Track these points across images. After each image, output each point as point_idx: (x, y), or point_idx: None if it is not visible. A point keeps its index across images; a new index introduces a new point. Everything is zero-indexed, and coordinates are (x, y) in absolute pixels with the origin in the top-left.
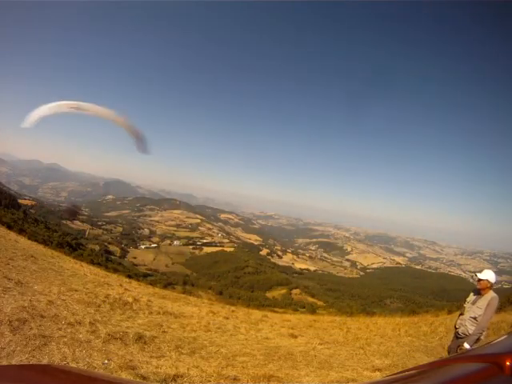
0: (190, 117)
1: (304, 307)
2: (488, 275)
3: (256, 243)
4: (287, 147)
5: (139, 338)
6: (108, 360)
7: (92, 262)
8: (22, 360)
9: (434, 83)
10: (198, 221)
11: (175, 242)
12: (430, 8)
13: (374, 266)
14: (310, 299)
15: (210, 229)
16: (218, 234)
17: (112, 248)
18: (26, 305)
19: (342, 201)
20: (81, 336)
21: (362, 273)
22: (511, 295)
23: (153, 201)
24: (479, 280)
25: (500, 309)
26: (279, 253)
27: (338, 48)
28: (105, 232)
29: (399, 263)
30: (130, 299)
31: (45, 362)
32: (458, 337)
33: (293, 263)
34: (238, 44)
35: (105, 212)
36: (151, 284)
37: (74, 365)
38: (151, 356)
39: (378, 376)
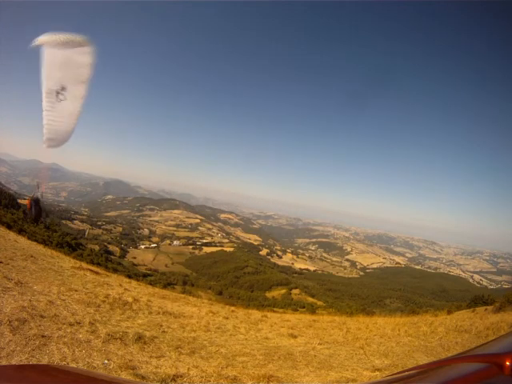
0: (190, 117)
1: (304, 307)
2: None
3: (256, 243)
4: (287, 147)
5: (139, 338)
6: (108, 360)
7: (92, 262)
8: (22, 360)
9: (435, 83)
10: (198, 221)
11: (175, 242)
12: (430, 8)
13: (374, 265)
14: (310, 299)
15: (209, 229)
16: (217, 234)
17: (112, 248)
18: (25, 305)
19: (342, 201)
20: (80, 336)
21: (361, 273)
22: (511, 295)
23: (153, 201)
24: None
25: (500, 309)
26: (279, 253)
27: (336, 48)
28: (104, 232)
29: (399, 263)
30: (130, 299)
31: (44, 362)
32: None
33: (292, 263)
34: (238, 44)
35: (105, 212)
36: (151, 284)
37: (73, 365)
38: (151, 356)
39: (377, 376)
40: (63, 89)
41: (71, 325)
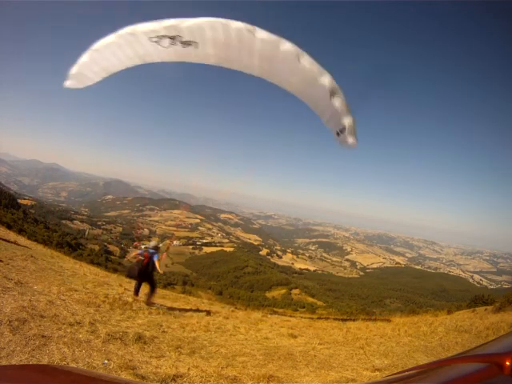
0: (190, 116)
1: (304, 307)
2: None
3: (256, 243)
4: (287, 147)
5: (139, 337)
6: (108, 360)
7: (92, 262)
8: (22, 360)
9: (435, 83)
10: (198, 221)
11: (175, 242)
12: (430, 8)
13: (374, 265)
14: (310, 299)
15: (209, 229)
16: (217, 234)
17: (112, 248)
18: (25, 305)
19: (342, 201)
20: (80, 336)
21: (361, 273)
22: (511, 295)
23: (153, 201)
24: None
25: (500, 309)
26: (279, 253)
27: (336, 47)
28: (104, 232)
29: (399, 263)
30: (130, 299)
31: (44, 362)
32: None
33: (292, 263)
34: None
35: (105, 212)
36: None
37: (73, 365)
38: (151, 356)
39: (377, 376)
40: (189, 42)
41: (71, 325)
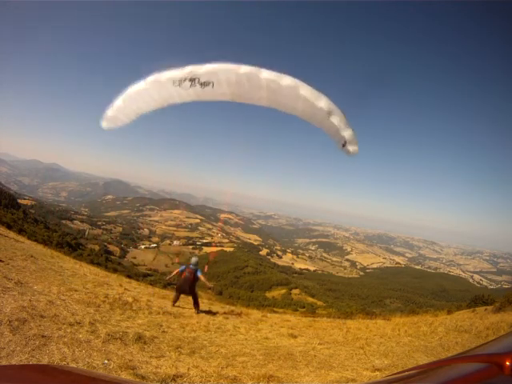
0: (190, 116)
1: (304, 307)
2: None
3: (256, 243)
4: (287, 147)
5: (139, 337)
6: (108, 360)
7: (92, 262)
8: (22, 360)
9: (435, 83)
10: (198, 221)
11: (175, 242)
12: (430, 8)
13: (374, 265)
14: (310, 299)
15: (209, 229)
16: (217, 234)
17: (112, 248)
18: (25, 305)
19: (342, 201)
20: (80, 336)
21: (361, 273)
22: (511, 295)
23: (153, 201)
24: None
25: (500, 309)
26: (279, 253)
27: (336, 47)
28: (104, 232)
29: (399, 263)
30: (130, 299)
31: (44, 362)
32: None
33: (292, 263)
34: (236, 43)
35: (105, 212)
36: (151, 284)
37: (73, 365)
38: (151, 356)
39: (377, 376)
40: (206, 83)
41: (71, 325)
